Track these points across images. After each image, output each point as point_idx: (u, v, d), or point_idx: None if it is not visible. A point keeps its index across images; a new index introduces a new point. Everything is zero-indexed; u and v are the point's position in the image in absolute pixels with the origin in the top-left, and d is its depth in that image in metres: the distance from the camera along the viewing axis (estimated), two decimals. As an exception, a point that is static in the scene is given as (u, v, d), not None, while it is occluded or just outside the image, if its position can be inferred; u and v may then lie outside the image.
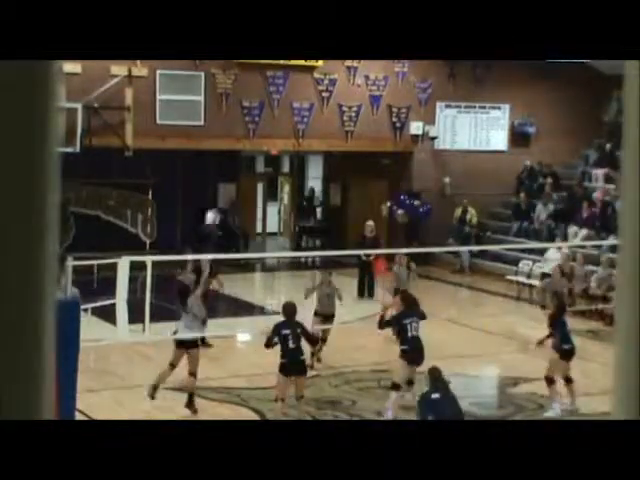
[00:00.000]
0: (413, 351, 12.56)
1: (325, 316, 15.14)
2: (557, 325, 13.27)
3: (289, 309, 12.24)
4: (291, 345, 11.95)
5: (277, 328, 12.11)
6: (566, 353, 13.09)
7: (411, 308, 13.05)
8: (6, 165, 1.50)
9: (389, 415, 12.37)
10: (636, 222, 1.62)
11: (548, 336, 13.64)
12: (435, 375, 10.58)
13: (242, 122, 23.58)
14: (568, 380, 13.13)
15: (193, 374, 12.45)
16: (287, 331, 12.00)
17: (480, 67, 25.86)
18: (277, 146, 25.61)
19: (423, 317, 13.09)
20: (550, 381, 13.03)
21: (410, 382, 12.63)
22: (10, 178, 1.50)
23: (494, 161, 26.26)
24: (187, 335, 12.56)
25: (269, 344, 12.12)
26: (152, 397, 12.39)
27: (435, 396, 10.33)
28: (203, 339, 15.77)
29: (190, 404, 12.45)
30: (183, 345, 12.53)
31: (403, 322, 12.81)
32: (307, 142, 24.64)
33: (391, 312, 14.06)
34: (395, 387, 12.54)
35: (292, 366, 12.01)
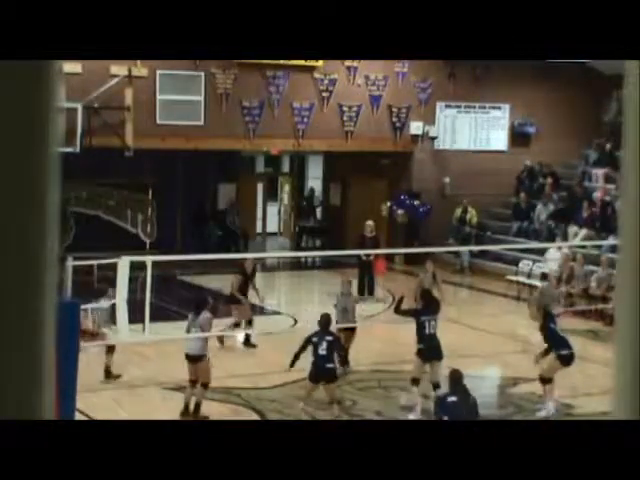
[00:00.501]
0: (429, 349, 12.73)
1: (343, 329, 15.02)
2: (549, 335, 13.15)
3: (323, 319, 12.71)
4: (320, 352, 12.30)
5: (309, 337, 12.56)
6: (564, 358, 12.96)
7: (430, 306, 13.15)
8: (6, 165, 1.50)
9: (416, 411, 12.46)
10: (636, 222, 1.62)
11: (546, 350, 13.43)
12: (455, 377, 10.53)
13: (242, 122, 23.57)
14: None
15: (205, 385, 12.44)
16: (316, 339, 12.40)
17: (480, 67, 25.85)
18: (277, 146, 25.60)
19: (437, 310, 13.21)
20: (544, 381, 12.97)
21: (415, 380, 12.83)
22: (10, 178, 1.50)
23: (494, 161, 26.24)
24: (193, 350, 12.50)
25: (299, 353, 12.53)
26: (187, 414, 12.30)
27: (451, 399, 10.30)
28: (247, 339, 16.11)
29: (196, 412, 12.35)
30: (192, 359, 12.50)
31: (421, 319, 12.90)
32: (307, 142, 24.63)
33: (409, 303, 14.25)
34: (414, 381, 12.77)
35: (318, 373, 12.30)
